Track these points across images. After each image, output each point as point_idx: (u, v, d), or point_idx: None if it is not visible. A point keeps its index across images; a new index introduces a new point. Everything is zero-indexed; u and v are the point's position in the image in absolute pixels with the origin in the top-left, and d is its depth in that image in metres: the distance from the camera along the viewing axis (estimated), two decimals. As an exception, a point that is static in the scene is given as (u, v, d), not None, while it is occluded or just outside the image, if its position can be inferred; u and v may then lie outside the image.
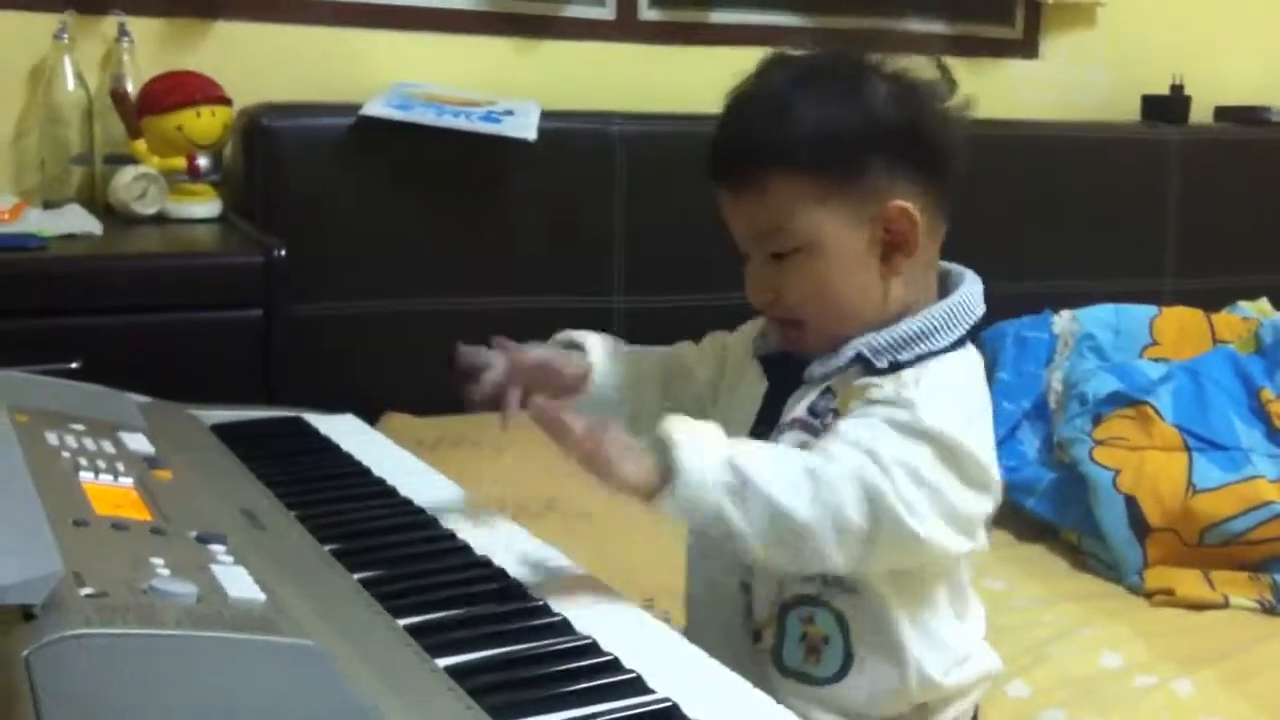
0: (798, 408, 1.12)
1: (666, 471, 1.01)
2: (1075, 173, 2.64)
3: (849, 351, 1.10)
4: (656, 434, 1.03)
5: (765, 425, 1.15)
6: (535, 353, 1.25)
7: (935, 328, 1.10)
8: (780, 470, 1.03)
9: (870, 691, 1.10)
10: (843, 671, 1.10)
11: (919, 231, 1.10)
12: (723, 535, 1.02)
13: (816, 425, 1.11)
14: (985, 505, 1.08)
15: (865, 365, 1.10)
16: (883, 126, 1.09)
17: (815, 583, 1.10)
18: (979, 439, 1.07)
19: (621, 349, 1.28)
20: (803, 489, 1.02)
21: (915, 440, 1.04)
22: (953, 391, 1.08)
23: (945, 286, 1.16)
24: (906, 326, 1.10)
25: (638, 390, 1.25)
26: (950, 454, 1.04)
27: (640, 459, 1.02)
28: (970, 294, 1.14)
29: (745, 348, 1.22)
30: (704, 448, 1.02)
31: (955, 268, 1.18)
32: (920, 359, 1.09)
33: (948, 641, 1.12)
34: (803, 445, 1.09)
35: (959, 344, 1.12)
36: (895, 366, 1.09)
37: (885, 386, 1.07)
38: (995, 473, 1.09)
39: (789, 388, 1.14)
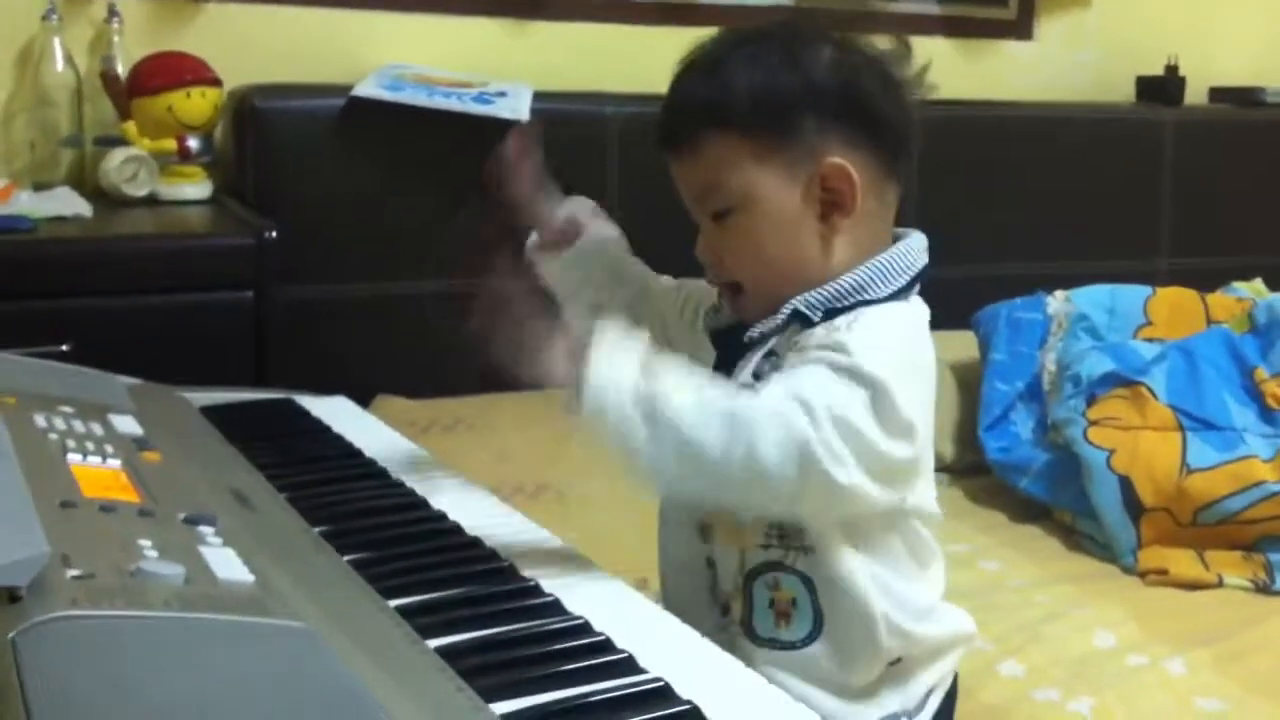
0: (743, 374, 1.13)
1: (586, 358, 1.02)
2: (1069, 154, 2.64)
3: (785, 310, 1.11)
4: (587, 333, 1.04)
5: None
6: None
7: (870, 280, 1.11)
8: (697, 401, 1.02)
9: (845, 651, 1.10)
10: (815, 631, 1.10)
11: (857, 190, 1.10)
12: (626, 453, 1.01)
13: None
14: (905, 452, 1.06)
15: (802, 320, 1.10)
16: (817, 86, 1.10)
17: (775, 549, 1.10)
18: (908, 386, 1.06)
19: (612, 246, 1.33)
20: (715, 425, 1.01)
21: (847, 383, 1.03)
22: (885, 335, 1.08)
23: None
24: (842, 281, 1.11)
25: (608, 283, 1.30)
26: (878, 398, 1.03)
27: (565, 341, 1.04)
28: (909, 247, 1.14)
29: (698, 313, 1.24)
30: (627, 347, 1.03)
31: (905, 231, 1.18)
32: (855, 307, 1.10)
33: (910, 593, 1.12)
34: None
35: (899, 295, 1.12)
36: (829, 315, 1.10)
37: (817, 332, 1.08)
38: (923, 422, 1.08)
39: (735, 357, 1.15)
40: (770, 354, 1.12)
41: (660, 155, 1.16)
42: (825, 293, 1.10)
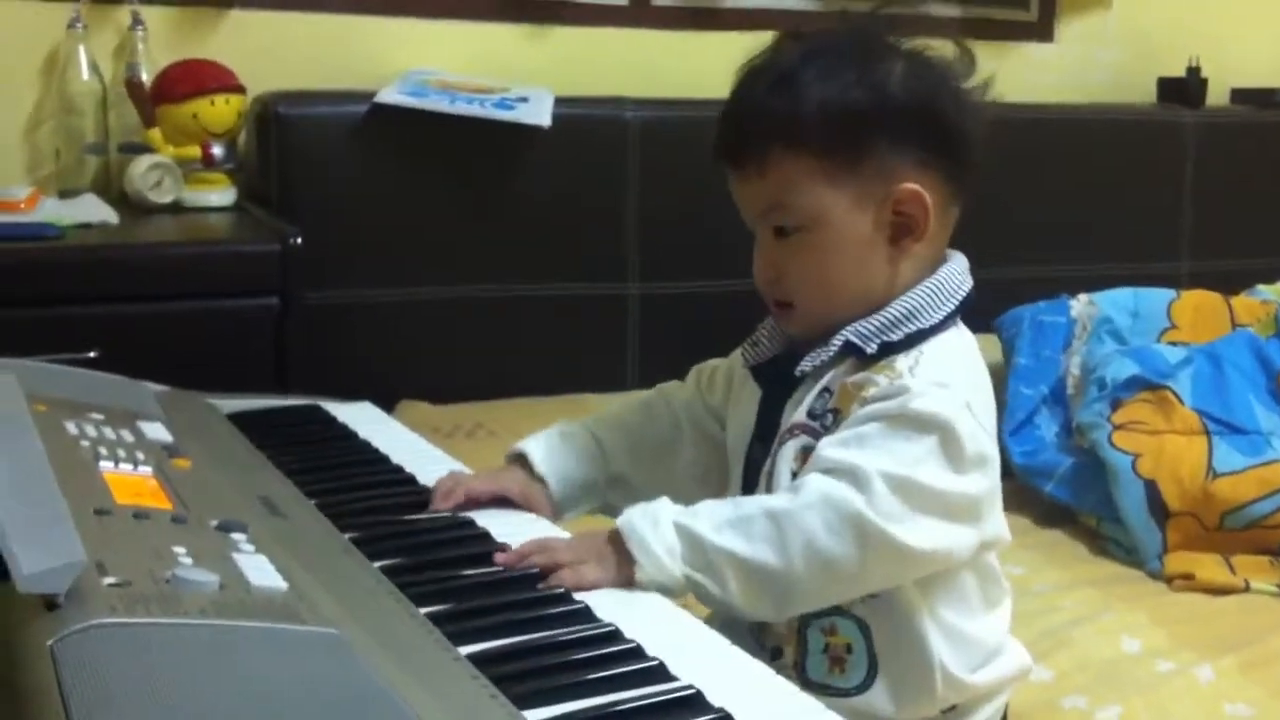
0: (796, 412, 1.11)
1: (628, 559, 1.01)
2: (1091, 156, 2.63)
3: (837, 341, 1.09)
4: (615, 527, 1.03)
5: (764, 435, 1.14)
6: (485, 487, 1.18)
7: (922, 306, 1.09)
8: (733, 517, 1.02)
9: (896, 696, 1.08)
10: (868, 680, 1.08)
11: (930, 215, 1.08)
12: (714, 601, 1.01)
13: (817, 427, 1.09)
14: (981, 484, 1.06)
15: (855, 353, 1.08)
16: (892, 105, 1.07)
17: None
18: (977, 420, 1.06)
19: (573, 440, 1.23)
20: (762, 533, 1.00)
21: (910, 433, 1.02)
22: (950, 372, 1.07)
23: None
24: (893, 308, 1.09)
25: (603, 471, 1.23)
26: (947, 440, 1.02)
27: (601, 558, 1.01)
28: (955, 270, 1.13)
29: (739, 362, 1.21)
30: (654, 525, 1.02)
31: (947, 252, 1.16)
32: (910, 340, 1.08)
33: (974, 637, 1.10)
34: (805, 450, 1.08)
35: (948, 321, 1.10)
36: (885, 349, 1.08)
37: (879, 381, 1.06)
38: (993, 450, 1.08)
39: (784, 392, 1.13)
40: (824, 390, 1.10)
41: (719, 167, 1.13)
42: (877, 322, 1.08)
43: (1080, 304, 2.11)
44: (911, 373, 1.06)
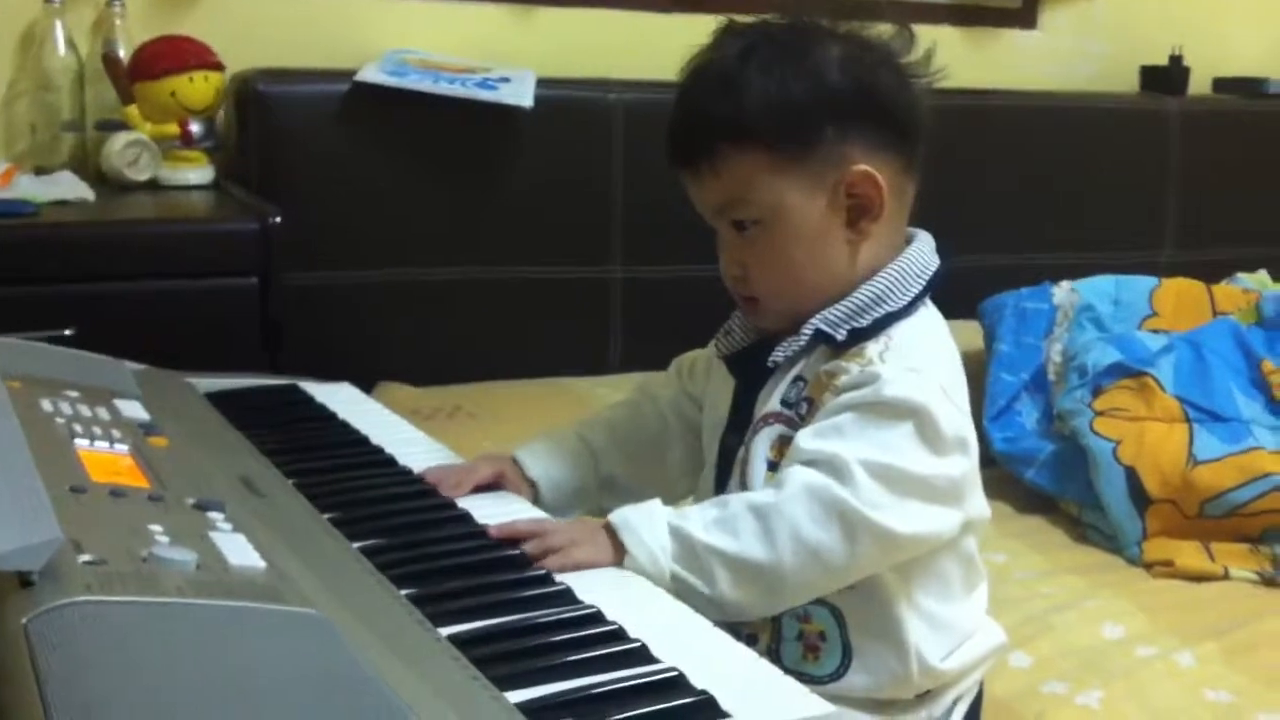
0: (770, 401, 1.11)
1: (619, 548, 1.01)
2: (1074, 144, 2.63)
3: (807, 330, 1.09)
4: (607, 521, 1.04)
5: (739, 424, 1.14)
6: (489, 471, 1.19)
7: (888, 289, 1.09)
8: (720, 516, 1.02)
9: (872, 681, 1.09)
10: (842, 668, 1.08)
11: (885, 194, 1.09)
12: (700, 602, 1.00)
13: (791, 415, 1.09)
14: (962, 465, 1.06)
15: (826, 340, 1.09)
16: (834, 91, 1.08)
17: None
18: (951, 401, 1.06)
19: (562, 443, 1.24)
20: (749, 529, 1.01)
21: (886, 420, 1.03)
22: (920, 356, 1.07)
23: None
24: (860, 294, 1.09)
25: (594, 474, 1.24)
26: (923, 424, 1.03)
27: (594, 542, 1.02)
28: (920, 250, 1.13)
29: (708, 364, 1.22)
30: (648, 520, 1.03)
31: (912, 231, 1.16)
32: (879, 325, 1.08)
33: (950, 622, 1.10)
34: (780, 439, 1.09)
35: (916, 302, 1.11)
36: (855, 335, 1.08)
37: (851, 369, 1.06)
38: (969, 431, 1.08)
39: (758, 382, 1.13)
40: (798, 379, 1.10)
41: (673, 171, 1.13)
42: (846, 308, 1.09)
43: (1062, 291, 2.11)
44: (882, 359, 1.06)
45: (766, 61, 1.09)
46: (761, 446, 1.10)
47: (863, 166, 1.08)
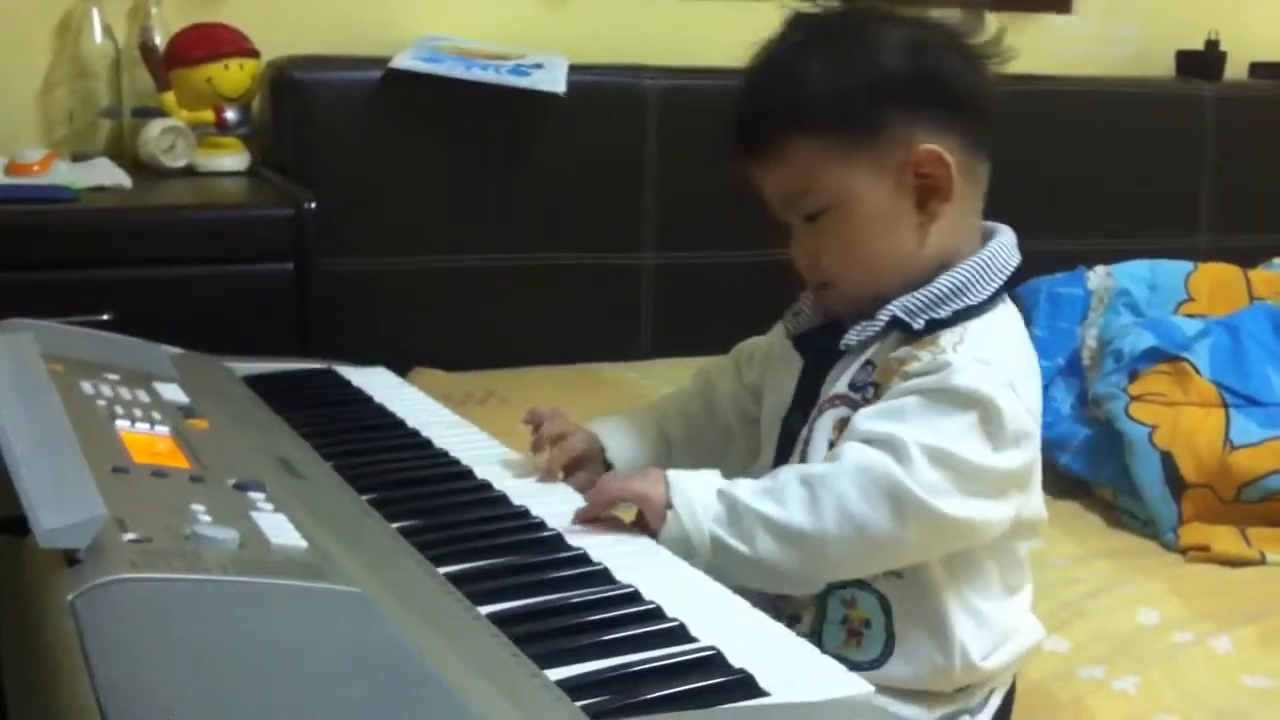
0: (838, 383, 1.11)
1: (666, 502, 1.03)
2: (1109, 129, 2.61)
3: (883, 316, 1.09)
4: None
5: (803, 405, 1.14)
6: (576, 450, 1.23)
7: (969, 281, 1.09)
8: (770, 485, 1.03)
9: (912, 672, 1.08)
10: (883, 656, 1.08)
11: (953, 173, 1.08)
12: (735, 566, 1.01)
13: (857, 399, 1.09)
14: (1020, 459, 1.05)
15: (902, 328, 1.08)
16: (895, 75, 1.08)
17: None
18: (1020, 398, 1.05)
19: (645, 433, 1.27)
20: (795, 496, 1.01)
21: (949, 408, 1.02)
22: (994, 351, 1.06)
23: (982, 242, 1.14)
24: (940, 284, 1.08)
25: (668, 461, 1.25)
26: (987, 416, 1.02)
27: (652, 478, 1.05)
28: (1003, 245, 1.13)
29: (780, 334, 1.22)
30: (698, 484, 1.04)
31: (989, 224, 1.16)
32: (957, 316, 1.07)
33: (994, 619, 1.10)
34: (843, 421, 1.08)
35: (996, 298, 1.10)
36: (932, 325, 1.07)
37: (922, 357, 1.06)
38: (1035, 429, 1.08)
39: (826, 364, 1.13)
40: (868, 363, 1.10)
41: (740, 163, 1.14)
42: (925, 297, 1.08)
43: (1097, 276, 2.09)
44: (955, 349, 1.05)
45: (827, 49, 1.09)
46: (825, 427, 1.10)
47: (929, 146, 1.07)
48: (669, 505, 1.03)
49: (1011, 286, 1.12)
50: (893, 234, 1.09)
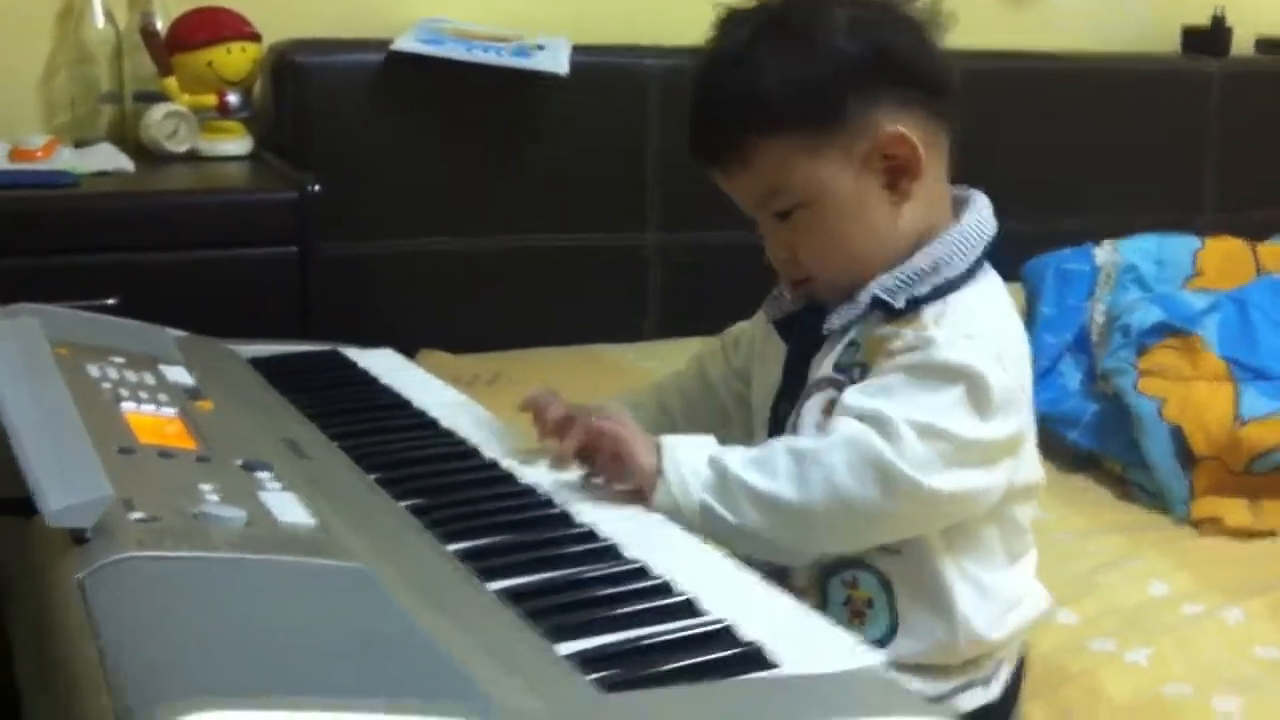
0: (824, 365, 1.11)
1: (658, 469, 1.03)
2: (1114, 106, 2.60)
3: (864, 297, 1.08)
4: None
5: (790, 389, 1.14)
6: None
7: (947, 255, 1.08)
8: (760, 456, 1.03)
9: (918, 648, 1.08)
10: (888, 635, 1.08)
11: (919, 151, 1.07)
12: (724, 533, 1.01)
13: (844, 381, 1.09)
14: (1009, 427, 1.05)
15: (883, 308, 1.08)
16: (850, 60, 1.07)
17: None
18: (1006, 367, 1.05)
19: (643, 401, 1.28)
20: (783, 468, 1.01)
21: (935, 382, 1.02)
22: (976, 323, 1.06)
23: (955, 210, 1.13)
24: (919, 260, 1.08)
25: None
26: (974, 389, 1.02)
27: (647, 444, 1.04)
28: (978, 213, 1.12)
29: (762, 320, 1.21)
30: (691, 449, 1.04)
31: (962, 191, 1.15)
32: (938, 291, 1.07)
33: (997, 589, 1.10)
34: (832, 403, 1.08)
35: (976, 268, 1.09)
36: (913, 302, 1.07)
37: (905, 334, 1.05)
38: (1025, 395, 1.07)
39: (811, 347, 1.13)
40: (852, 343, 1.09)
41: (702, 170, 1.13)
42: (904, 275, 1.08)
43: (1104, 252, 2.09)
44: (938, 324, 1.05)
45: (776, 44, 1.07)
46: (813, 410, 1.10)
47: (893, 128, 1.07)
48: (659, 472, 1.03)
49: (990, 254, 1.11)
50: (868, 220, 1.09)
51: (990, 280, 1.12)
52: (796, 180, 1.08)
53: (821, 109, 1.06)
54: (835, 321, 1.10)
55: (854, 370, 1.08)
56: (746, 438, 1.21)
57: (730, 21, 1.12)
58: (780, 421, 1.14)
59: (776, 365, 1.16)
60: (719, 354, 1.28)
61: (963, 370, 1.02)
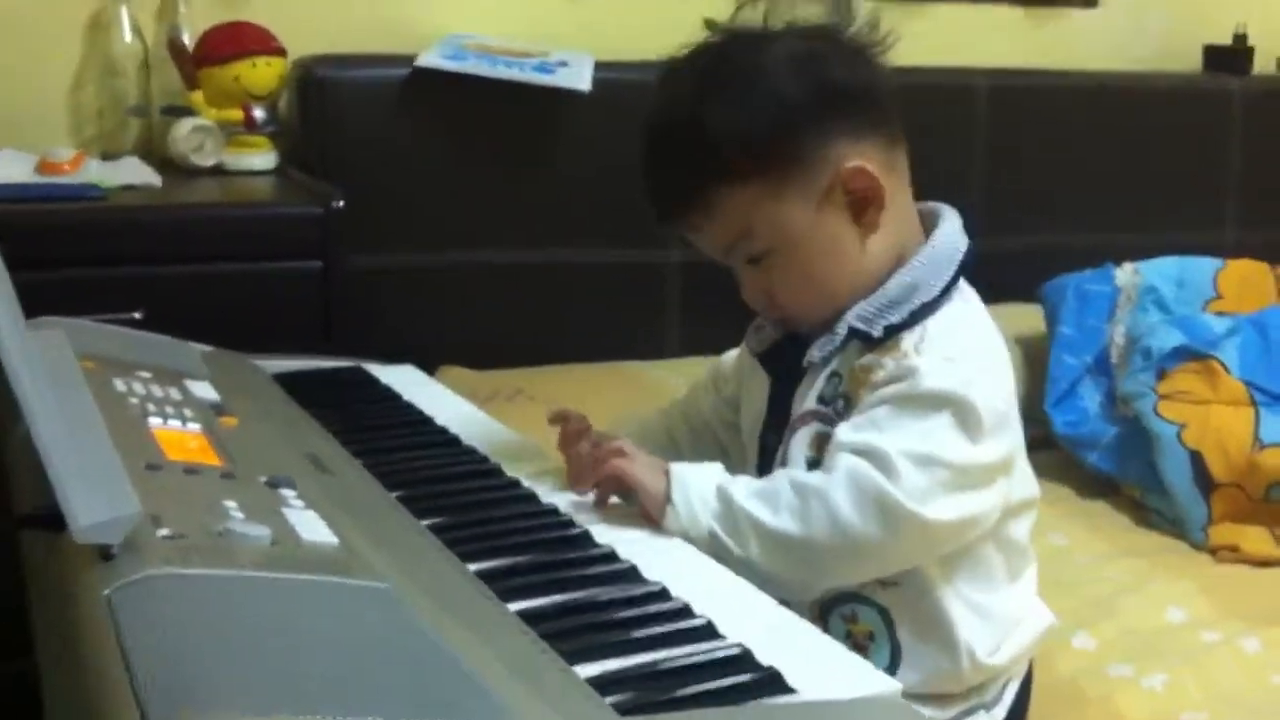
0: (807, 399, 1.11)
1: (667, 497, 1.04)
2: (1135, 124, 2.60)
3: (841, 329, 1.08)
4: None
5: (776, 421, 1.14)
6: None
7: (920, 279, 1.08)
8: (765, 488, 1.03)
9: (921, 679, 1.08)
10: (891, 667, 1.08)
11: (879, 181, 1.07)
12: (736, 564, 1.01)
13: (829, 413, 1.09)
14: (1001, 448, 1.05)
15: (862, 337, 1.08)
16: (796, 98, 1.06)
17: None
18: (991, 387, 1.05)
19: (654, 425, 1.30)
20: (787, 503, 1.01)
21: (924, 412, 1.02)
22: (956, 345, 1.06)
23: (925, 227, 1.13)
24: (893, 287, 1.08)
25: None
26: (961, 413, 1.02)
27: (655, 471, 1.05)
28: (947, 232, 1.11)
29: (738, 374, 1.23)
30: (700, 477, 1.05)
31: (931, 206, 1.15)
32: (915, 316, 1.07)
33: (998, 611, 1.10)
34: (819, 436, 1.08)
35: (950, 287, 1.09)
36: (891, 330, 1.07)
37: (887, 364, 1.05)
38: (1012, 413, 1.08)
39: (794, 379, 1.13)
40: (834, 375, 1.10)
41: (667, 228, 1.13)
42: (879, 302, 1.08)
43: (1125, 273, 2.08)
44: (918, 350, 1.05)
45: (722, 93, 1.07)
46: (800, 444, 1.10)
47: (853, 163, 1.07)
48: (668, 499, 1.03)
49: (965, 271, 1.11)
50: (839, 255, 1.09)
51: (966, 297, 1.12)
52: (761, 225, 1.08)
53: (778, 151, 1.06)
54: (815, 354, 1.10)
55: (838, 402, 1.09)
56: (742, 466, 1.21)
57: (671, 76, 1.12)
58: (769, 453, 1.15)
59: (761, 397, 1.17)
60: (710, 385, 1.29)
61: (948, 397, 1.02)
